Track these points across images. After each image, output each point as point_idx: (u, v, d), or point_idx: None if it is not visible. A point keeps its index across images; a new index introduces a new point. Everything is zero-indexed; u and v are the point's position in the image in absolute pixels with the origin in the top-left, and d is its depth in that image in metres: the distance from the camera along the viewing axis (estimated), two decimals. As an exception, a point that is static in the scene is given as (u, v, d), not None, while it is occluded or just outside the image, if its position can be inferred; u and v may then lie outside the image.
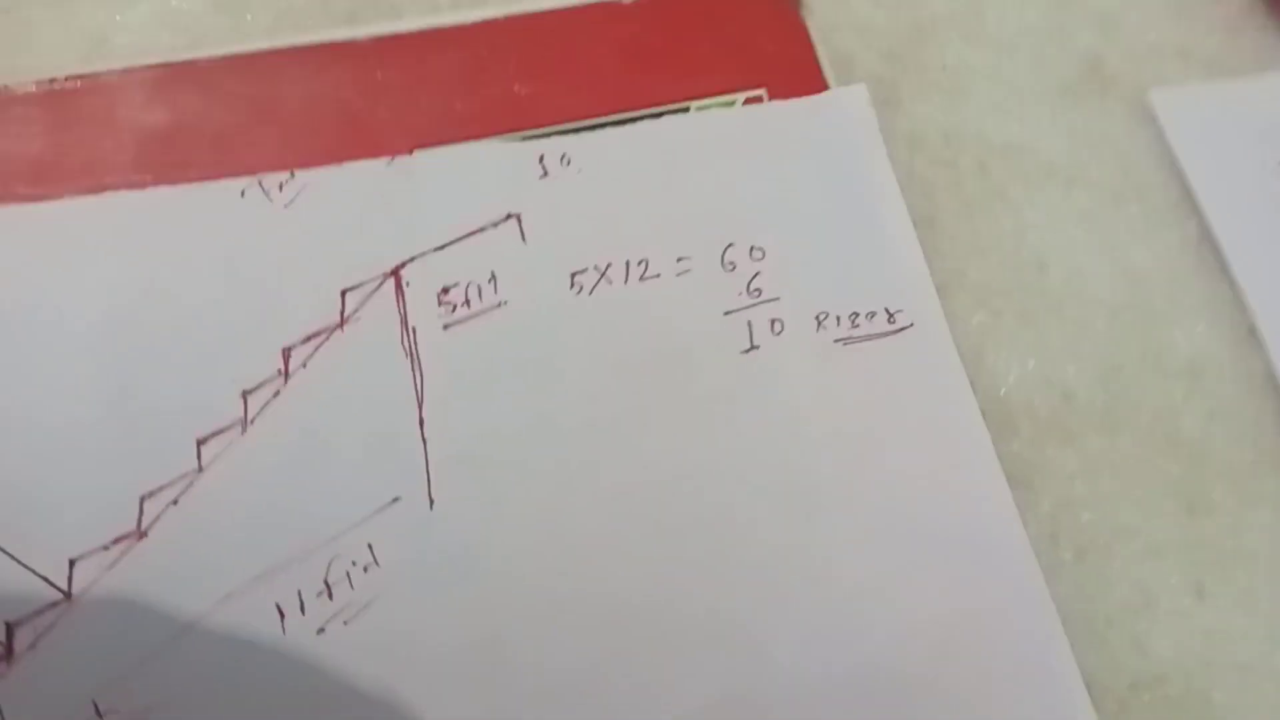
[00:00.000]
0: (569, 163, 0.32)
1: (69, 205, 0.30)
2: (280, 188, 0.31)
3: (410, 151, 0.32)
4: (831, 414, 0.29)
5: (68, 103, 0.32)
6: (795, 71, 0.34)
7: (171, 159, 0.31)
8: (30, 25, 0.35)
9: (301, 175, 0.31)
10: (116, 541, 0.27)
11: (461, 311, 0.30)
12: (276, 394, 0.29)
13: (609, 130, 0.32)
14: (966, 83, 0.36)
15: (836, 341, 0.30)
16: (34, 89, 0.32)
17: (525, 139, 0.32)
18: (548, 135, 0.32)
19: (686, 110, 0.33)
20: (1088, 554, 0.29)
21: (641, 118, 0.33)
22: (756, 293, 0.31)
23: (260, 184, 0.31)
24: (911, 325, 0.30)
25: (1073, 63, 0.37)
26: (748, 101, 0.33)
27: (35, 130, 0.31)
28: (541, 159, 0.32)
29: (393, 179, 0.31)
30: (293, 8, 0.35)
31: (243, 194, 0.31)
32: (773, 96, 0.33)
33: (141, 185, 0.31)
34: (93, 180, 0.31)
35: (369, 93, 0.33)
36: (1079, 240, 0.34)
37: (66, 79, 0.32)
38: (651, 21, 0.34)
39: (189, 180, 0.31)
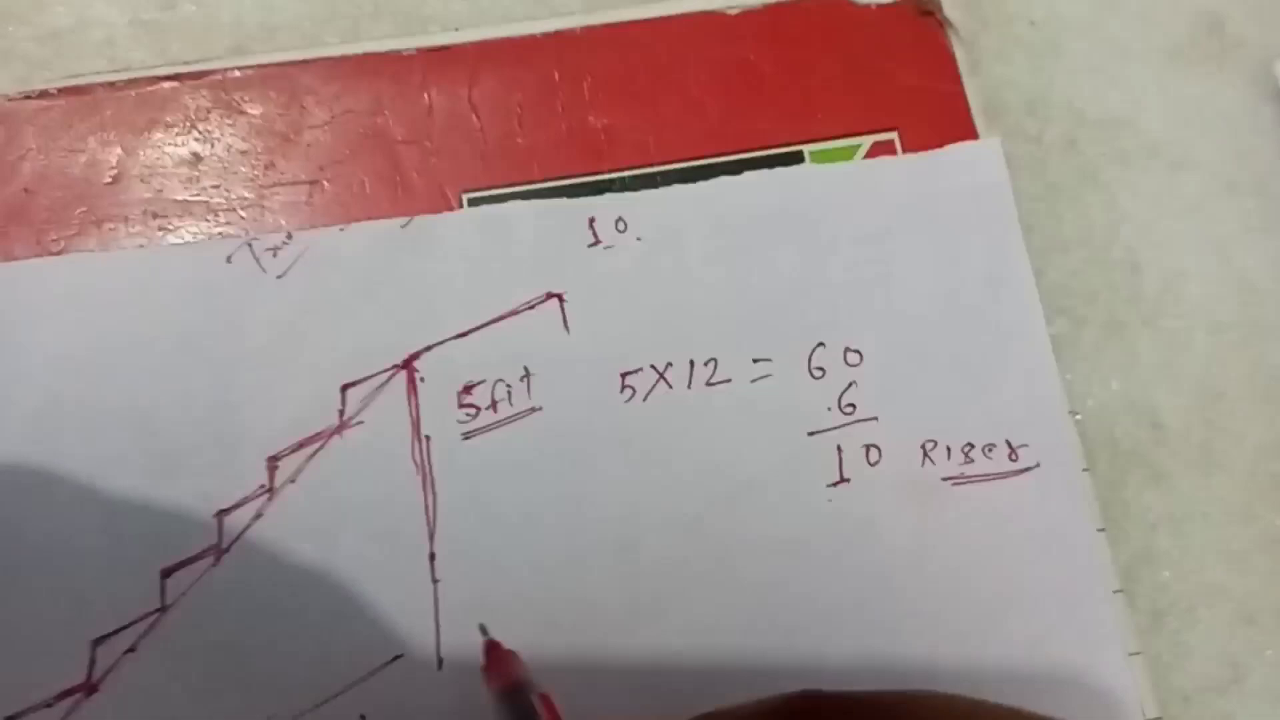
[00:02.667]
0: (625, 228, 0.26)
1: (15, 269, 0.25)
2: (274, 253, 0.25)
3: (458, 195, 0.26)
4: (935, 572, 0.24)
5: (37, 120, 0.26)
6: (936, 110, 0.27)
7: (145, 199, 0.26)
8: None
9: (301, 238, 0.25)
10: (61, 697, 0.22)
11: (486, 416, 0.25)
12: (258, 515, 0.24)
13: (674, 189, 0.26)
14: (1058, 41, 0.30)
15: (945, 480, 0.24)
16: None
17: (595, 182, 0.26)
18: (623, 180, 0.26)
19: (799, 155, 0.27)
20: (1167, 617, 0.25)
21: (746, 163, 0.27)
22: (849, 409, 0.25)
23: (251, 247, 0.25)
24: (1038, 465, 0.25)
25: (1186, 22, 0.30)
26: (875, 146, 0.27)
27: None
28: (592, 223, 0.26)
29: (408, 245, 0.26)
30: (325, 13, 0.29)
31: (229, 259, 0.25)
32: (906, 141, 0.27)
33: (113, 233, 0.25)
34: (57, 227, 0.25)
35: (414, 119, 0.27)
36: (1182, 237, 0.28)
37: (49, 92, 0.26)
38: (761, 38, 0.28)
39: (170, 231, 0.25)
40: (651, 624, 0.23)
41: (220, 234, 0.26)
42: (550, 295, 0.25)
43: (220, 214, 0.26)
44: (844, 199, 0.26)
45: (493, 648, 0.22)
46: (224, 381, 0.24)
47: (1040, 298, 0.26)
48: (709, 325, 0.25)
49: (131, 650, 0.23)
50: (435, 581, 0.23)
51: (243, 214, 0.26)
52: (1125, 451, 0.26)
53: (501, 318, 0.25)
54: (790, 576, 0.24)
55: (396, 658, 0.23)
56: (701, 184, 0.26)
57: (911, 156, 0.27)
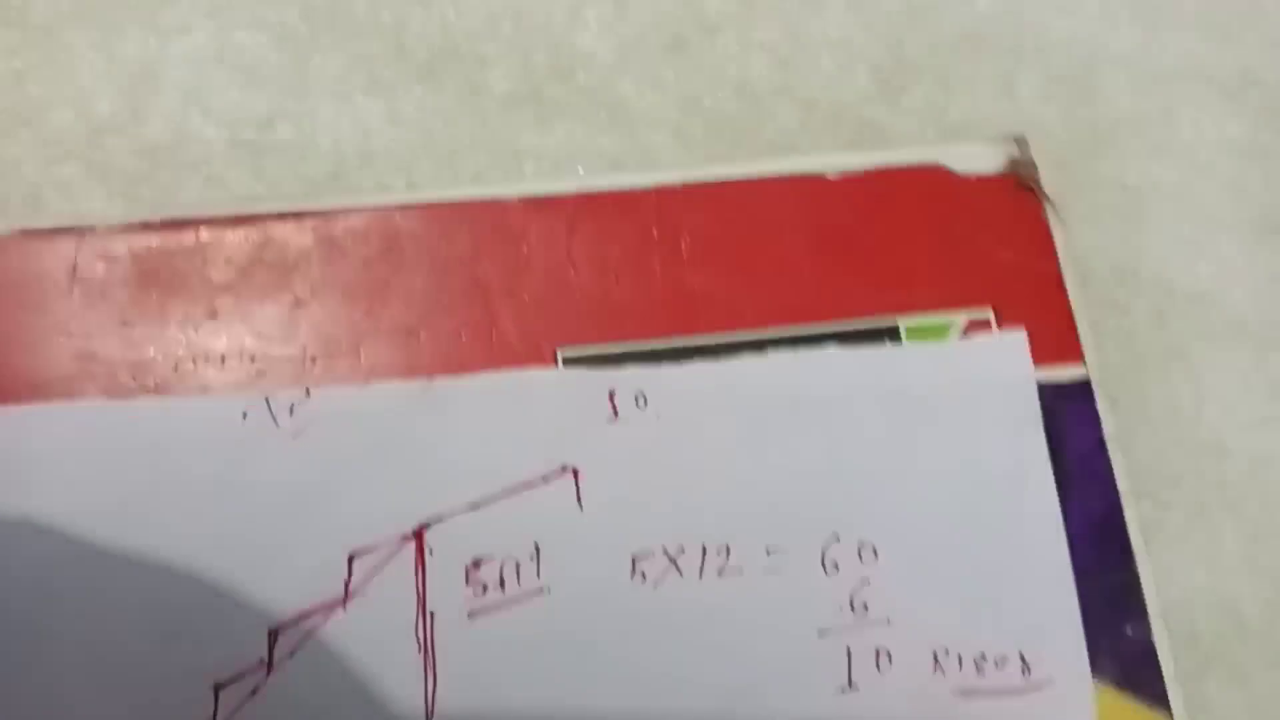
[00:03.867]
0: (645, 403, 0.26)
1: (22, 414, 0.25)
2: (291, 411, 0.25)
3: (554, 351, 0.26)
4: (940, 787, 0.23)
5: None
6: (1032, 287, 0.27)
7: (243, 343, 0.26)
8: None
9: (319, 395, 0.25)
10: None
11: (494, 595, 0.24)
12: (255, 691, 0.23)
13: (697, 365, 0.26)
14: (1149, 207, 0.30)
15: (955, 692, 0.24)
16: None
17: (688, 347, 0.26)
18: (716, 347, 0.26)
19: (895, 329, 0.27)
20: None
21: (839, 334, 0.27)
22: (862, 609, 0.25)
23: (268, 403, 0.25)
24: (1050, 681, 0.24)
25: (1278, 191, 0.30)
26: (971, 324, 0.27)
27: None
28: (612, 396, 0.26)
29: (427, 407, 0.25)
30: (420, 140, 0.29)
31: (244, 415, 0.25)
32: (1002, 317, 0.27)
33: (207, 375, 0.25)
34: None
35: (511, 268, 0.27)
36: (1271, 421, 0.28)
37: (151, 224, 0.26)
38: (862, 205, 0.28)
39: (263, 376, 0.25)
40: (649, 824, 0.23)
41: (314, 379, 0.25)
42: (566, 468, 0.25)
43: (318, 361, 0.26)
44: (868, 387, 0.26)
45: None
46: (229, 545, 0.24)
47: (1123, 477, 0.26)
48: (724, 510, 0.25)
49: (116, 826, 0.22)
50: (431, 768, 0.23)
51: (338, 361, 0.26)
52: (1205, 647, 0.26)
53: (515, 490, 0.25)
54: (793, 783, 0.23)
55: None
56: (725, 362, 0.26)
57: (935, 345, 0.27)
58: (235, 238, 0.26)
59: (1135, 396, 0.28)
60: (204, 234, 0.26)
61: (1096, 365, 0.27)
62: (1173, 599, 0.26)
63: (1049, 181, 0.29)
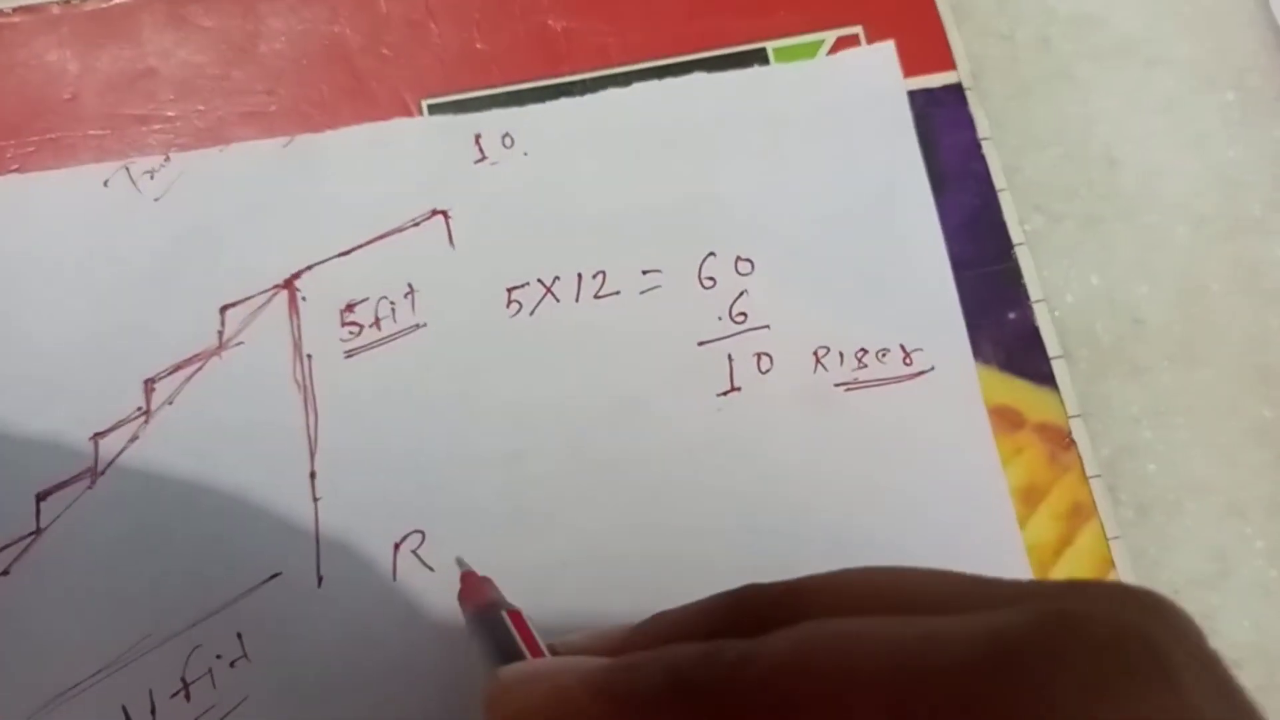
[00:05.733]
0: (512, 143, 0.26)
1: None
2: (151, 175, 0.25)
3: (418, 102, 0.26)
4: (827, 479, 0.23)
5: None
6: (901, 4, 0.27)
7: (103, 114, 0.25)
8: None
9: (179, 159, 0.25)
10: (-69, 622, 0.22)
11: (369, 334, 0.24)
12: (134, 438, 0.23)
13: (561, 102, 0.26)
14: None
15: (838, 386, 0.24)
16: None
17: (556, 85, 0.26)
18: (585, 83, 0.26)
19: (762, 53, 0.26)
20: (1152, 511, 0.25)
21: (707, 62, 0.26)
22: (740, 318, 0.24)
23: (128, 171, 0.25)
24: (932, 369, 0.24)
25: None
26: (839, 42, 0.26)
27: None
28: (478, 139, 0.26)
29: (290, 164, 0.25)
30: None
31: (106, 183, 0.25)
32: (871, 36, 0.27)
33: (72, 149, 0.25)
34: (15, 145, 0.25)
35: (371, 27, 0.26)
36: (1159, 132, 0.28)
37: (4, 11, 0.26)
38: None
39: (131, 145, 0.25)
40: (538, 536, 0.23)
41: (179, 145, 0.25)
42: (435, 212, 0.25)
43: (178, 124, 0.25)
44: (735, 108, 0.26)
45: (467, 576, 0.21)
46: (101, 306, 0.24)
47: (1015, 195, 0.26)
48: (597, 238, 0.25)
49: (4, 574, 0.22)
50: (316, 500, 0.23)
51: (200, 125, 0.25)
52: (1105, 347, 0.26)
53: (385, 235, 0.25)
54: (680, 486, 0.23)
55: (274, 575, 0.22)
56: (589, 96, 0.26)
57: (803, 63, 0.26)
58: (87, 17, 0.26)
59: (1022, 118, 0.28)
60: (57, 14, 0.26)
61: (968, 71, 0.27)
62: (1068, 304, 0.26)
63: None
